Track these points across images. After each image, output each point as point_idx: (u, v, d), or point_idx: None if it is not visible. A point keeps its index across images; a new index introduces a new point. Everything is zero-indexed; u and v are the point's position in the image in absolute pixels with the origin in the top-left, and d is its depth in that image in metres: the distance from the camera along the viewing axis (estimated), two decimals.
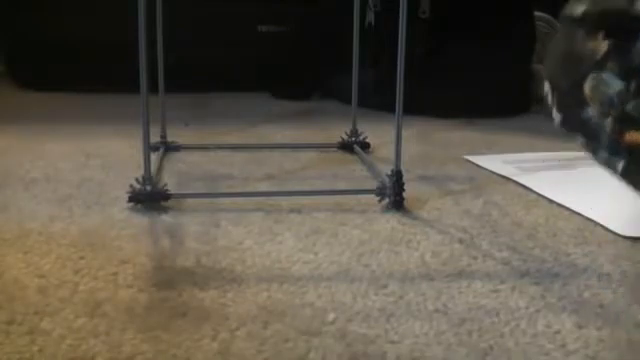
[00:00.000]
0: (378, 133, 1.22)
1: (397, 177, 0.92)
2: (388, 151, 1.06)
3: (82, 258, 0.74)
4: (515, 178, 1.06)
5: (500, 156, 1.19)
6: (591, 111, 0.61)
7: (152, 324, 0.61)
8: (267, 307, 0.64)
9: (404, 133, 0.92)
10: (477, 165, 1.15)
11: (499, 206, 0.95)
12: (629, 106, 0.59)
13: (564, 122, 0.66)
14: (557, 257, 0.77)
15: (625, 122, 0.59)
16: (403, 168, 0.92)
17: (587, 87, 0.62)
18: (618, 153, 0.61)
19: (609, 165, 0.64)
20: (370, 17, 1.63)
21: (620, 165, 0.62)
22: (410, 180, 0.96)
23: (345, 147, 1.22)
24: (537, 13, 1.72)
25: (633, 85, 0.59)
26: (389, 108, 0.98)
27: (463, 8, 1.59)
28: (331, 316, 0.63)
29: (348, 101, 1.22)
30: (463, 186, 1.04)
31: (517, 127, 1.46)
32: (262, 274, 0.71)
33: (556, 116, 0.67)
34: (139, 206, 0.89)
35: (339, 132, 1.23)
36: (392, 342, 0.59)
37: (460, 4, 1.59)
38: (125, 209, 0.89)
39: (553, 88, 0.67)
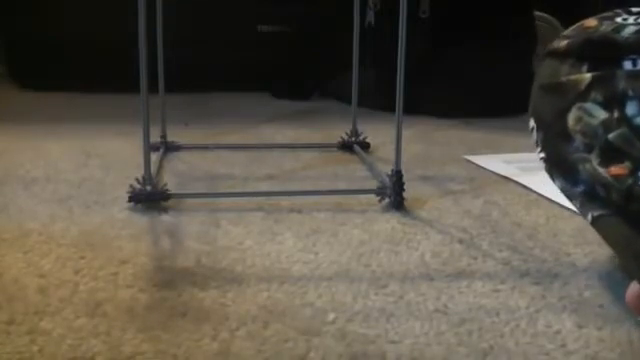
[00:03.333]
0: (378, 133, 1.22)
1: (397, 177, 0.92)
2: (388, 151, 1.06)
3: (82, 258, 0.74)
4: (515, 178, 1.06)
5: (500, 156, 1.19)
6: (575, 144, 0.60)
7: (152, 324, 0.61)
8: (267, 307, 0.64)
9: (404, 133, 0.92)
10: (477, 165, 1.15)
11: (499, 206, 0.94)
12: (612, 135, 0.58)
13: (547, 159, 0.65)
14: (557, 257, 0.77)
15: (609, 153, 0.58)
16: (403, 168, 0.92)
17: (571, 118, 0.61)
18: (593, 199, 0.60)
19: (582, 214, 0.63)
20: (370, 17, 1.63)
21: (590, 216, 0.61)
22: (410, 180, 0.96)
23: (345, 147, 1.22)
24: (537, 13, 1.72)
25: (616, 114, 0.58)
26: (389, 108, 0.99)
27: (463, 8, 1.59)
28: (331, 316, 0.63)
29: (348, 101, 1.22)
30: (463, 186, 1.04)
31: (517, 127, 1.44)
32: (262, 274, 0.71)
33: (540, 153, 0.66)
34: (139, 206, 0.89)
35: (339, 132, 1.23)
36: (392, 342, 0.59)
37: (460, 4, 1.59)
38: (125, 209, 0.89)
39: (537, 123, 0.67)
